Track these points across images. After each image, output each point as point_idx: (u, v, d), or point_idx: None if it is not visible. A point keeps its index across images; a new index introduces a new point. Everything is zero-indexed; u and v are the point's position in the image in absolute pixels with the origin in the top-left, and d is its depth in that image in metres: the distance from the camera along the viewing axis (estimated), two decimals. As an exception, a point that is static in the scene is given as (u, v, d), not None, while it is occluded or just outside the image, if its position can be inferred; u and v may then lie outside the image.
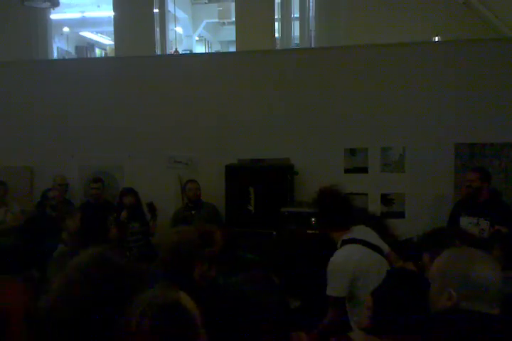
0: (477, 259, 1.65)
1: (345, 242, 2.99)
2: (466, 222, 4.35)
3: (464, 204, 4.63)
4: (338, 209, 3.11)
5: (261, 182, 5.34)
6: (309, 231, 4.41)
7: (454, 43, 5.97)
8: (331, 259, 2.91)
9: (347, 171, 5.68)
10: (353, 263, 2.88)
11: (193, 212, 5.35)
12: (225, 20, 15.79)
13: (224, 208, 5.50)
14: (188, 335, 1.28)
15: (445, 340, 1.54)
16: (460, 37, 8.11)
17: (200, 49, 17.33)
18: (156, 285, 1.49)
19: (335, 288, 2.89)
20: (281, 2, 10.71)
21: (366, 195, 5.62)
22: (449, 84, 5.45)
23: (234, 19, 11.16)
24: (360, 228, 3.17)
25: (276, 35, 10.47)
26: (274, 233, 4.92)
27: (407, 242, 4.80)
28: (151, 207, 5.36)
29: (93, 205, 5.62)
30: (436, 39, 8.96)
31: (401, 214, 5.55)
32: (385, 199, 5.59)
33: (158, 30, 9.63)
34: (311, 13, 10.27)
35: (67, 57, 13.90)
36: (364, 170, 5.64)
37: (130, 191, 5.39)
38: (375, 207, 5.61)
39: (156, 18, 9.62)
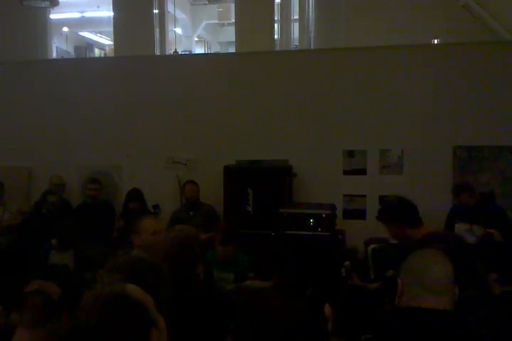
0: (427, 254, 1.76)
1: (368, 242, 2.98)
2: (460, 228, 4.38)
3: (458, 210, 4.71)
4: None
5: (259, 183, 5.34)
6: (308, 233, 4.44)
7: (453, 46, 5.99)
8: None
9: (346, 173, 5.69)
10: None
11: (191, 213, 5.34)
12: (225, 21, 15.80)
13: (222, 209, 5.49)
14: (138, 328, 1.27)
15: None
16: (459, 40, 8.13)
17: (199, 50, 17.35)
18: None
19: None
20: (281, 4, 10.74)
21: (365, 196, 5.63)
22: (447, 87, 5.46)
23: (233, 20, 11.17)
24: None
25: (276, 36, 10.50)
26: (273, 234, 4.93)
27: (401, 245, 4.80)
28: (156, 209, 5.48)
29: (90, 206, 5.62)
30: (436, 42, 8.98)
31: (399, 216, 5.55)
32: (384, 201, 5.60)
33: (157, 30, 9.65)
34: (311, 14, 10.30)
35: (66, 57, 13.88)
36: (363, 171, 5.65)
37: (136, 196, 5.44)
38: (373, 208, 5.62)
39: (156, 19, 9.64)
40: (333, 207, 5.18)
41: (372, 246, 3.39)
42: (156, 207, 5.72)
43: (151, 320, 1.30)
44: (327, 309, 2.15)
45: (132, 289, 1.41)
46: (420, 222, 2.94)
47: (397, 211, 2.99)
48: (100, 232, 5.24)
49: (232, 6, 11.35)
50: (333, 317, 2.11)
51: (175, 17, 12.80)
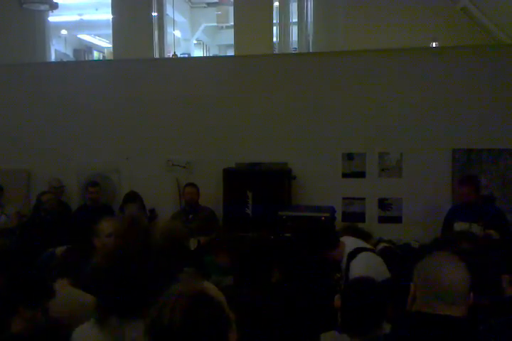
0: (442, 260, 1.69)
1: (353, 254, 2.92)
2: (459, 227, 4.38)
3: (458, 209, 4.69)
4: (322, 231, 3.10)
5: (259, 186, 5.34)
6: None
7: (451, 49, 6.01)
8: (354, 272, 2.80)
9: (345, 176, 5.69)
10: (374, 270, 2.82)
11: (190, 216, 5.33)
12: (224, 25, 15.80)
13: (221, 212, 5.49)
14: (219, 326, 1.29)
15: None
16: (457, 43, 8.16)
17: (198, 53, 17.33)
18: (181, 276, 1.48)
19: None
20: (280, 7, 10.74)
21: (364, 199, 5.63)
22: (446, 90, 5.47)
23: (232, 23, 11.18)
24: (348, 238, 3.15)
25: (274, 39, 10.49)
26: (272, 237, 4.92)
27: (405, 247, 4.81)
28: (153, 213, 5.42)
29: (90, 208, 5.60)
30: (434, 45, 9.00)
31: (398, 219, 5.57)
32: (383, 204, 5.61)
33: (156, 33, 9.63)
34: (309, 18, 10.29)
35: (65, 60, 13.87)
36: (362, 174, 5.66)
37: (132, 198, 5.41)
38: (372, 211, 5.62)
39: (155, 22, 9.62)
40: (332, 210, 5.18)
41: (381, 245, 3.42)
42: (152, 211, 5.61)
43: (229, 319, 1.33)
44: (337, 300, 2.13)
45: (210, 288, 1.43)
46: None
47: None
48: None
49: (231, 9, 11.36)
50: (341, 308, 2.08)
51: (174, 20, 12.79)
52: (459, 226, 4.39)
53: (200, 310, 1.28)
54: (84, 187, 5.86)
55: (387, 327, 1.96)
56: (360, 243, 3.10)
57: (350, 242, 3.05)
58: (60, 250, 4.13)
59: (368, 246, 3.12)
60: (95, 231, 2.99)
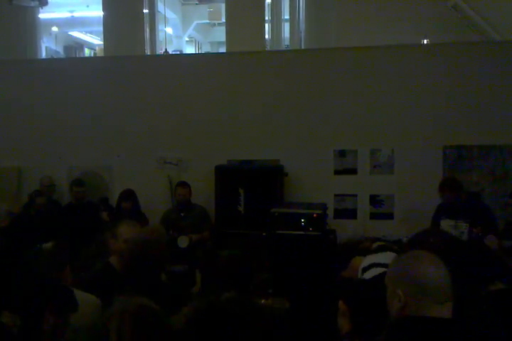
0: (422, 259, 1.67)
1: (365, 269, 2.71)
2: (445, 224, 4.42)
3: (444, 207, 4.74)
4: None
5: (251, 183, 5.34)
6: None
7: (442, 46, 6.03)
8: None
9: (336, 172, 5.70)
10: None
11: (182, 214, 5.32)
12: (216, 21, 15.76)
13: (214, 209, 5.48)
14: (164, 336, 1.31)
15: None
16: (448, 40, 8.18)
17: (190, 50, 17.28)
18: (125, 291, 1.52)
19: None
20: (272, 3, 10.73)
21: (356, 196, 5.65)
22: (437, 87, 5.49)
23: (224, 20, 11.15)
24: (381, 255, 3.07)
25: (267, 36, 10.49)
26: (264, 234, 4.92)
27: (396, 243, 4.82)
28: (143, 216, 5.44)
29: (75, 206, 5.57)
30: (425, 42, 9.04)
31: (390, 216, 5.59)
32: (374, 201, 5.63)
33: (147, 30, 9.59)
34: (301, 14, 10.30)
35: (55, 57, 13.77)
36: (353, 171, 5.67)
37: (128, 195, 5.39)
38: (364, 208, 5.64)
39: (146, 19, 9.58)
40: (324, 207, 5.19)
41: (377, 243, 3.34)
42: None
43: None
44: (342, 306, 2.04)
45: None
46: None
47: None
48: (85, 231, 5.17)
49: (223, 6, 11.31)
50: (350, 314, 2.00)
51: (165, 17, 12.74)
52: (445, 223, 4.43)
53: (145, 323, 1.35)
54: (69, 185, 5.79)
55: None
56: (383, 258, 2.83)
57: (371, 258, 2.84)
58: (46, 246, 4.11)
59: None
60: (114, 233, 2.90)
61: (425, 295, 1.59)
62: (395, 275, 1.68)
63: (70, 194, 5.77)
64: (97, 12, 11.55)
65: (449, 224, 4.38)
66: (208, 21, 16.13)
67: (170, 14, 14.15)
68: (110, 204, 5.68)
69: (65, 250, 2.53)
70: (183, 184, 5.45)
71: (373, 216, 5.62)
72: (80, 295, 2.25)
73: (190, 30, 16.45)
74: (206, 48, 18.28)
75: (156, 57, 8.56)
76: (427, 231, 2.62)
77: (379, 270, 2.61)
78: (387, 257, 2.79)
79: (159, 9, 11.00)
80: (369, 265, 2.73)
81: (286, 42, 11.39)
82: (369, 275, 2.64)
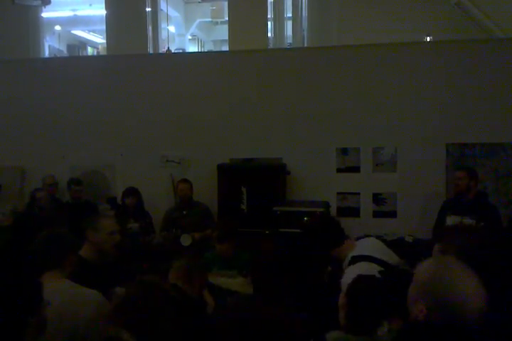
0: (458, 276, 1.49)
1: (355, 259, 2.73)
2: (451, 221, 4.41)
3: (451, 203, 4.73)
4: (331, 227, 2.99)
5: (253, 181, 5.34)
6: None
7: (445, 44, 6.00)
8: (345, 279, 2.56)
9: (339, 170, 5.69)
10: None
11: (184, 212, 5.33)
12: (218, 20, 15.78)
13: (216, 207, 5.49)
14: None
15: None
16: (451, 37, 8.17)
17: (192, 48, 17.30)
18: None
19: None
20: (274, 2, 10.73)
21: (358, 194, 5.64)
22: (440, 85, 5.48)
23: (227, 18, 11.16)
24: (366, 240, 3.03)
25: (269, 34, 10.49)
26: (267, 232, 4.93)
27: (399, 241, 4.83)
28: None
29: (73, 205, 5.58)
30: (428, 39, 9.01)
31: (393, 214, 5.58)
32: (377, 199, 5.62)
33: (150, 28, 9.62)
34: (304, 12, 10.30)
35: (58, 56, 13.80)
36: (356, 169, 5.66)
37: (132, 192, 5.41)
38: (367, 206, 5.64)
39: (149, 17, 9.61)
40: (326, 205, 5.19)
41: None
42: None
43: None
44: (342, 298, 2.06)
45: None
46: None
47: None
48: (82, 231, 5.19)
49: (226, 4, 11.33)
50: (347, 305, 2.01)
51: (168, 15, 12.76)
52: (451, 219, 4.42)
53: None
54: (67, 184, 5.81)
55: (385, 326, 1.93)
56: (376, 249, 2.88)
57: (364, 246, 2.87)
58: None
59: (381, 253, 2.82)
60: (94, 226, 2.92)
61: (455, 317, 1.43)
62: (426, 287, 1.53)
63: (68, 193, 5.78)
64: (100, 11, 11.59)
65: (455, 220, 4.38)
66: (210, 19, 16.16)
67: (172, 12, 14.17)
68: (118, 203, 5.70)
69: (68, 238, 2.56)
70: (185, 180, 5.48)
71: (376, 214, 5.62)
72: (82, 290, 2.26)
73: (193, 29, 16.47)
74: (209, 46, 18.30)
75: (158, 55, 8.57)
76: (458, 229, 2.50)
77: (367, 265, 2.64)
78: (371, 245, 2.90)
79: (162, 8, 11.03)
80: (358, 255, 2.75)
81: (289, 40, 11.39)
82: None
